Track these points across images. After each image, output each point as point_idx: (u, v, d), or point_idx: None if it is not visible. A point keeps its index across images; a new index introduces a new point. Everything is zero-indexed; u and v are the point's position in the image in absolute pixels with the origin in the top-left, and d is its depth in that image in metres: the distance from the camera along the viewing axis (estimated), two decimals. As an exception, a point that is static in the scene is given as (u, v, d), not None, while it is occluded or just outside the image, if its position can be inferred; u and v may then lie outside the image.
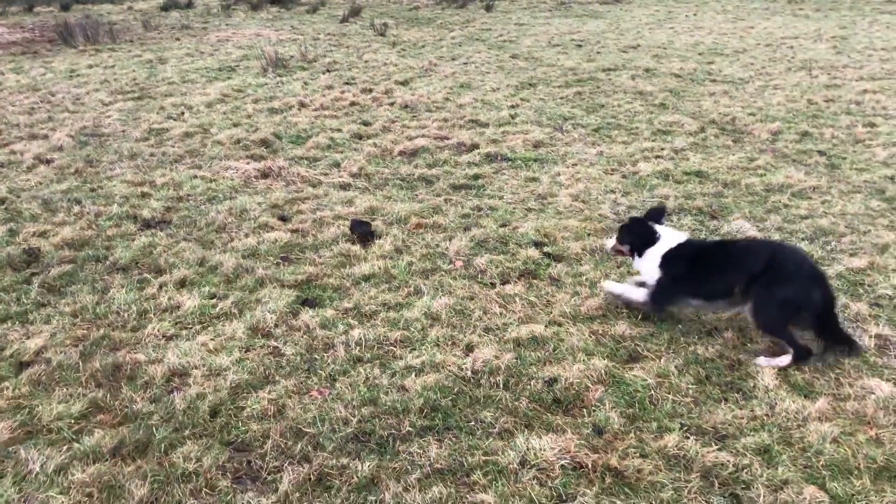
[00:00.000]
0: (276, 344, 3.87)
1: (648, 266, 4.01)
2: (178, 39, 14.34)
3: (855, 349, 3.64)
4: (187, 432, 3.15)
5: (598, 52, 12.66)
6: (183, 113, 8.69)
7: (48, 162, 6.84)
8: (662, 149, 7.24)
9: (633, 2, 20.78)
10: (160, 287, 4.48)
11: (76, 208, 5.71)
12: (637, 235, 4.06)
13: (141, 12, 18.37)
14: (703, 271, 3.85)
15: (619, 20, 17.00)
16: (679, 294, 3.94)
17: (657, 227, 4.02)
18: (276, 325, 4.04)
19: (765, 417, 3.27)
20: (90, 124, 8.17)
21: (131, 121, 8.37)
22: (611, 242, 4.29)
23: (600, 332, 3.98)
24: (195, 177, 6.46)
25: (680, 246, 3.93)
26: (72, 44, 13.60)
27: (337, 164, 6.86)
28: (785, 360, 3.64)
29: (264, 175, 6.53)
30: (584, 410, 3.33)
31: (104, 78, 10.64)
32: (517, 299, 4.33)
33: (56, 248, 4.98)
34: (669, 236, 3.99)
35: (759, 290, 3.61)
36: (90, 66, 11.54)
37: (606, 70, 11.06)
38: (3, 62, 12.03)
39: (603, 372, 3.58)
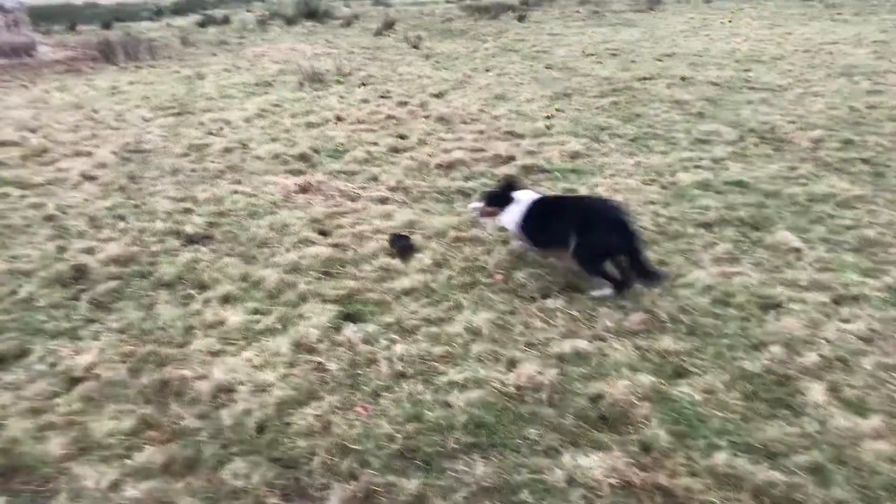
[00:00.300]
0: (319, 359, 3.90)
1: (508, 220, 4.91)
2: (215, 55, 14.58)
3: (657, 279, 4.44)
4: (235, 449, 3.19)
5: (633, 61, 12.59)
6: (222, 128, 8.81)
7: (93, 179, 6.98)
8: (702, 158, 7.16)
9: (667, 9, 20.65)
10: (205, 303, 4.54)
11: (121, 224, 5.82)
12: (500, 199, 4.96)
13: (179, 29, 18.70)
14: (545, 222, 4.75)
15: (654, 28, 16.90)
16: (534, 239, 4.85)
17: (515, 192, 4.94)
18: (319, 341, 4.07)
19: (816, 435, 3.21)
20: (132, 141, 8.33)
21: (172, 137, 8.51)
22: (480, 206, 5.12)
23: (644, 347, 3.95)
24: (236, 192, 6.54)
25: (531, 203, 4.82)
26: (113, 61, 13.89)
27: (375, 178, 6.91)
28: (608, 291, 4.48)
29: (304, 190, 6.59)
30: (631, 428, 3.30)
31: (145, 94, 10.84)
32: (558, 313, 4.31)
33: (103, 265, 5.08)
34: (524, 197, 4.88)
35: (578, 238, 4.47)
36: (131, 83, 11.77)
37: (642, 79, 10.99)
38: (49, 81, 12.32)
39: (649, 388, 3.55)
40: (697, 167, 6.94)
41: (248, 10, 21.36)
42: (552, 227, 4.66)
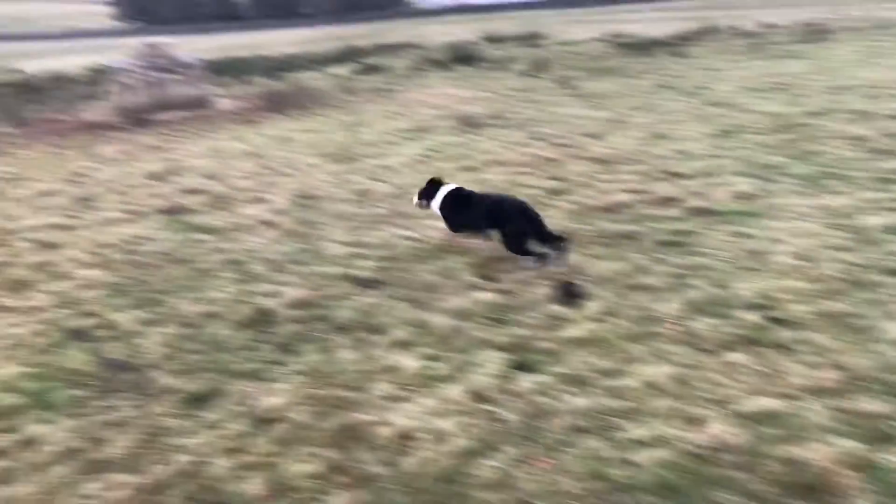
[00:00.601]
0: (495, 409, 3.90)
1: (434, 205, 6.38)
2: (374, 102, 15.23)
3: (564, 246, 5.75)
4: (421, 498, 3.23)
5: (802, 95, 11.95)
6: (383, 174, 9.15)
7: (270, 224, 7.43)
8: (888, 199, 6.65)
9: (834, 38, 19.53)
10: (380, 347, 4.68)
11: (298, 269, 6.14)
12: (429, 192, 6.44)
13: (339, 77, 19.71)
14: (459, 210, 6.24)
15: (821, 59, 16.00)
16: (450, 221, 6.33)
17: (441, 186, 6.41)
18: (493, 390, 4.08)
19: None
20: (303, 187, 8.80)
21: (338, 183, 8.92)
22: (416, 200, 6.62)
23: (843, 407, 3.67)
24: (402, 237, 6.75)
25: (448, 193, 6.33)
26: (282, 111, 14.82)
27: (535, 222, 6.91)
28: (531, 263, 5.73)
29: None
30: (833, 498, 3.06)
31: (311, 142, 11.47)
32: (742, 369, 4.10)
33: (285, 308, 5.36)
34: (444, 189, 6.37)
35: (503, 230, 5.86)
36: (299, 131, 12.50)
37: (813, 114, 10.40)
38: (225, 130, 13.31)
39: (852, 454, 3.28)
40: (884, 209, 6.44)
41: (402, 57, 22.20)
42: (466, 215, 6.18)
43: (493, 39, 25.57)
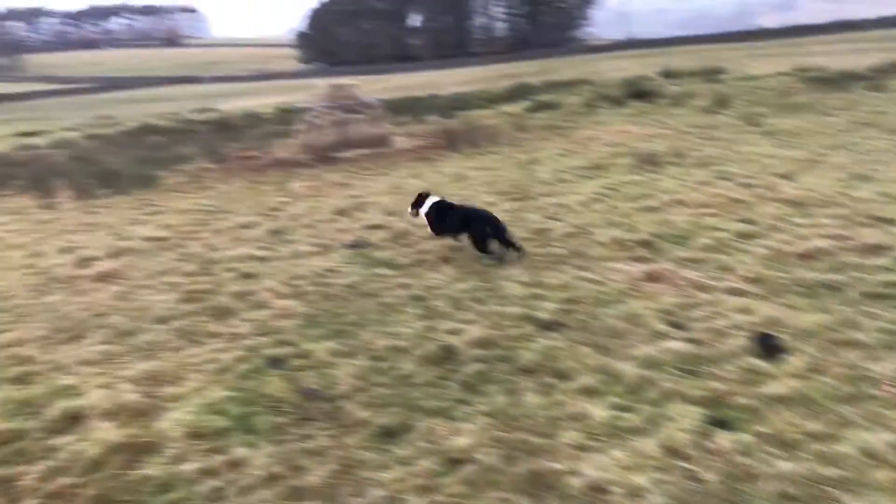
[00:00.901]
0: (692, 467, 3.71)
1: (422, 212, 7.82)
2: (547, 139, 15.27)
3: (521, 252, 7.31)
4: (619, 558, 3.11)
5: None
6: (560, 213, 9.10)
7: (450, 261, 7.56)
8: None
9: None
10: (566, 393, 4.60)
11: (479, 307, 6.19)
12: (418, 203, 7.89)
13: (511, 115, 19.97)
14: (441, 217, 7.68)
15: None
16: (433, 226, 7.78)
17: (427, 199, 7.87)
18: (689, 446, 3.88)
19: None
20: (480, 224, 8.91)
21: (515, 221, 8.96)
22: (410, 210, 8.05)
23: None
24: (583, 279, 6.65)
25: (433, 204, 7.79)
26: (456, 149, 15.20)
27: (725, 268, 6.58)
28: (493, 260, 7.24)
29: (650, 278, 6.48)
30: None
31: (487, 180, 11.65)
32: (979, 442, 3.65)
33: (468, 347, 5.41)
34: (430, 200, 7.82)
35: (469, 232, 7.40)
36: (474, 169, 12.74)
37: None
38: (403, 168, 13.82)
39: None
40: None
41: (574, 94, 22.16)
42: (445, 221, 7.70)
43: (670, 74, 24.98)
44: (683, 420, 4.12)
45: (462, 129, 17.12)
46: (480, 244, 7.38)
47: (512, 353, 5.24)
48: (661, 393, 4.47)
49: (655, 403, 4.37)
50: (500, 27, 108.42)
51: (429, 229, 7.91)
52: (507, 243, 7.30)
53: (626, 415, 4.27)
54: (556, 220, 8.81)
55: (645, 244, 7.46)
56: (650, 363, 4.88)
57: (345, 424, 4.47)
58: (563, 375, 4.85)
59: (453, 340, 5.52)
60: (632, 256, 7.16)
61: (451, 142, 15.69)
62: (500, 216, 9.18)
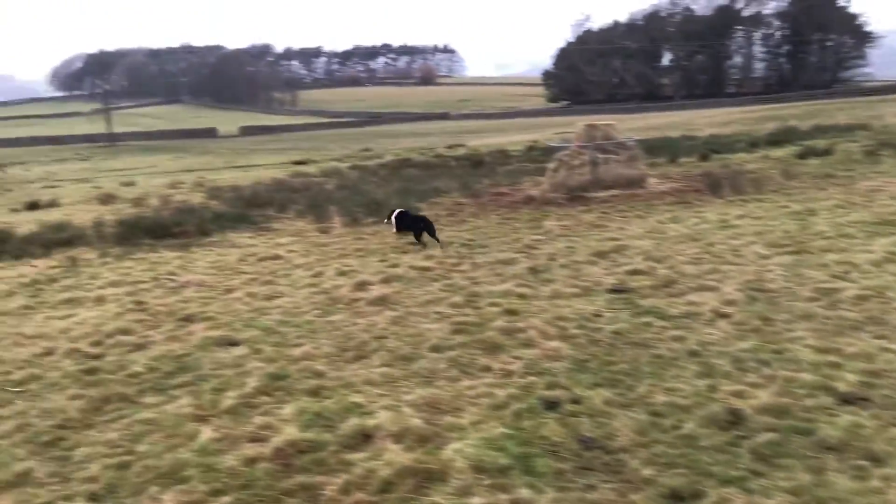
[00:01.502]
0: None
1: (392, 220, 11.93)
2: (822, 189, 14.08)
3: (438, 241, 11.47)
4: None
5: None
6: (849, 272, 8.26)
7: (725, 316, 7.13)
8: None
9: None
10: (885, 480, 4.08)
11: (765, 370, 5.74)
12: (389, 214, 12.07)
13: (777, 160, 18.72)
14: (401, 220, 11.85)
15: None
16: (396, 226, 11.88)
17: (398, 210, 12.17)
18: None
19: None
20: (753, 278, 8.35)
21: (793, 277, 8.29)
22: (387, 223, 12.22)
23: None
24: (885, 349, 5.94)
25: (399, 213, 11.99)
26: (718, 194, 14.47)
27: None
28: (420, 246, 11.48)
29: (973, 356, 5.64)
30: None
31: (756, 229, 10.94)
32: None
33: (756, 413, 5.02)
34: (396, 210, 12.11)
35: (413, 229, 11.70)
36: (740, 217, 12.04)
37: None
38: (661, 212, 13.40)
39: None
40: None
41: (851, 140, 20.30)
42: (404, 222, 11.74)
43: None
44: None
45: (723, 173, 16.33)
46: (417, 235, 11.55)
47: (810, 426, 4.77)
48: None
49: None
50: (758, 67, 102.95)
51: (394, 229, 11.96)
52: (434, 237, 11.52)
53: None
54: (844, 279, 8.01)
55: (959, 316, 6.53)
56: None
57: (629, 480, 4.31)
58: (876, 458, 4.32)
59: (739, 404, 5.16)
60: (944, 329, 6.30)
61: (712, 186, 15.02)
62: (775, 271, 8.64)
